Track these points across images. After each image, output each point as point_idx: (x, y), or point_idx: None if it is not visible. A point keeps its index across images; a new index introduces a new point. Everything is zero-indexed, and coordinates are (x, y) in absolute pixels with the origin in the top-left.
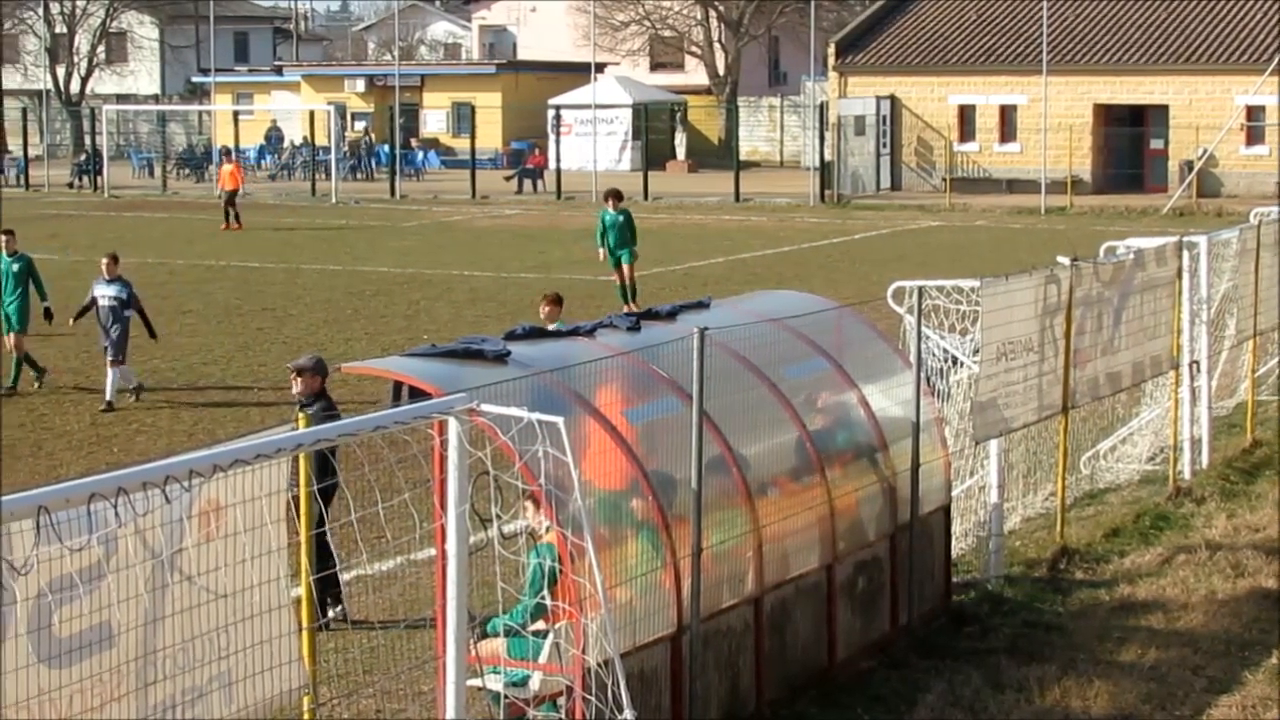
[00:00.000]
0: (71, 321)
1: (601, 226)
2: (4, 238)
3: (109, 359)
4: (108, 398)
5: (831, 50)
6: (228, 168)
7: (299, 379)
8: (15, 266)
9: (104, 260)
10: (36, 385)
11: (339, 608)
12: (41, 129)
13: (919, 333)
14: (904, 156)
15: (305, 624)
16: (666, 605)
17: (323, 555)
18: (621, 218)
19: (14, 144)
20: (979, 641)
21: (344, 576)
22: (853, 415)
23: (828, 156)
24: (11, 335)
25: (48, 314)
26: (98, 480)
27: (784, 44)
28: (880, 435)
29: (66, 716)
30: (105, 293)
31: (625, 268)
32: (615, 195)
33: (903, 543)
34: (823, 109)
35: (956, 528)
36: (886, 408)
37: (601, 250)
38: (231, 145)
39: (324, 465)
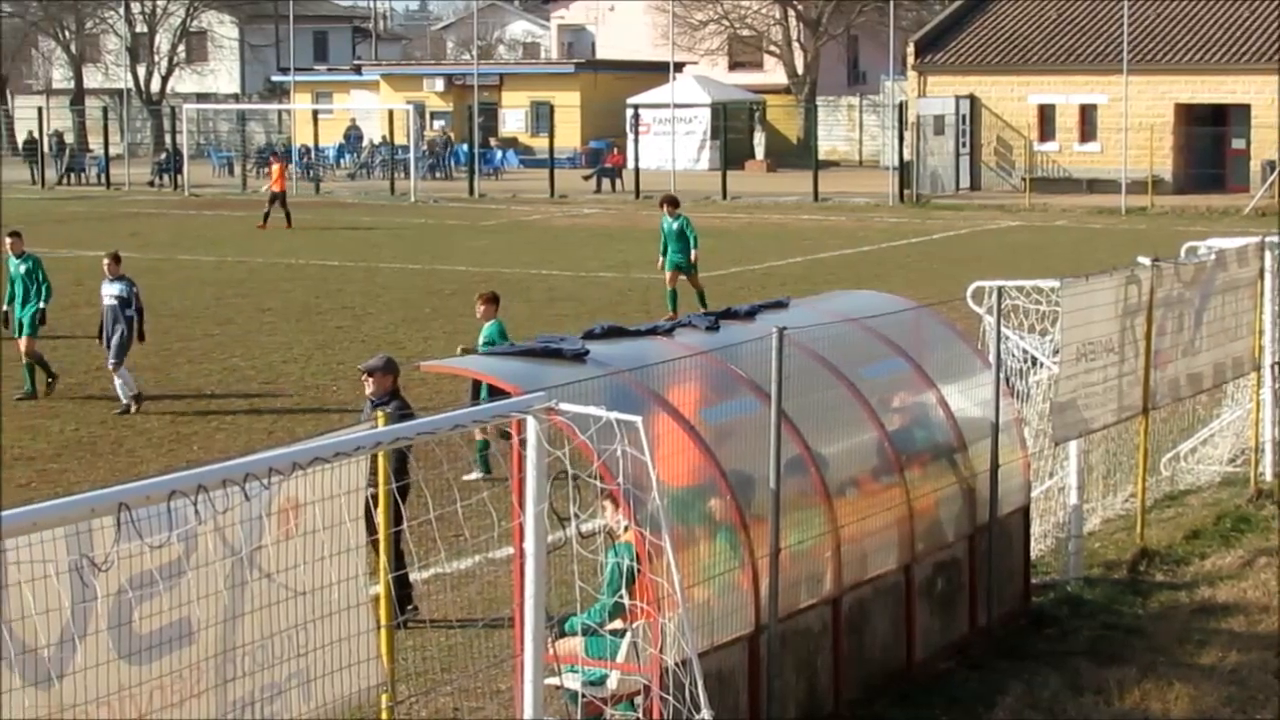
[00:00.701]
0: (40, 305)
1: (662, 235)
2: (10, 240)
3: (111, 364)
4: (124, 400)
5: (911, 49)
6: (276, 167)
7: (370, 379)
8: (24, 268)
9: (105, 260)
10: (46, 388)
11: (410, 607)
12: (122, 128)
13: (998, 333)
14: (983, 156)
15: (383, 622)
16: (744, 605)
17: (395, 557)
18: (677, 224)
19: (95, 143)
20: (1058, 643)
21: (422, 575)
22: (931, 415)
23: (906, 156)
24: (23, 340)
25: (41, 317)
26: (178, 477)
27: (863, 43)
28: (959, 436)
29: (146, 713)
30: (108, 292)
31: (688, 277)
32: (670, 202)
33: (982, 544)
34: (902, 108)
35: (1036, 529)
36: (965, 408)
37: (660, 259)
38: (310, 144)
39: (399, 466)
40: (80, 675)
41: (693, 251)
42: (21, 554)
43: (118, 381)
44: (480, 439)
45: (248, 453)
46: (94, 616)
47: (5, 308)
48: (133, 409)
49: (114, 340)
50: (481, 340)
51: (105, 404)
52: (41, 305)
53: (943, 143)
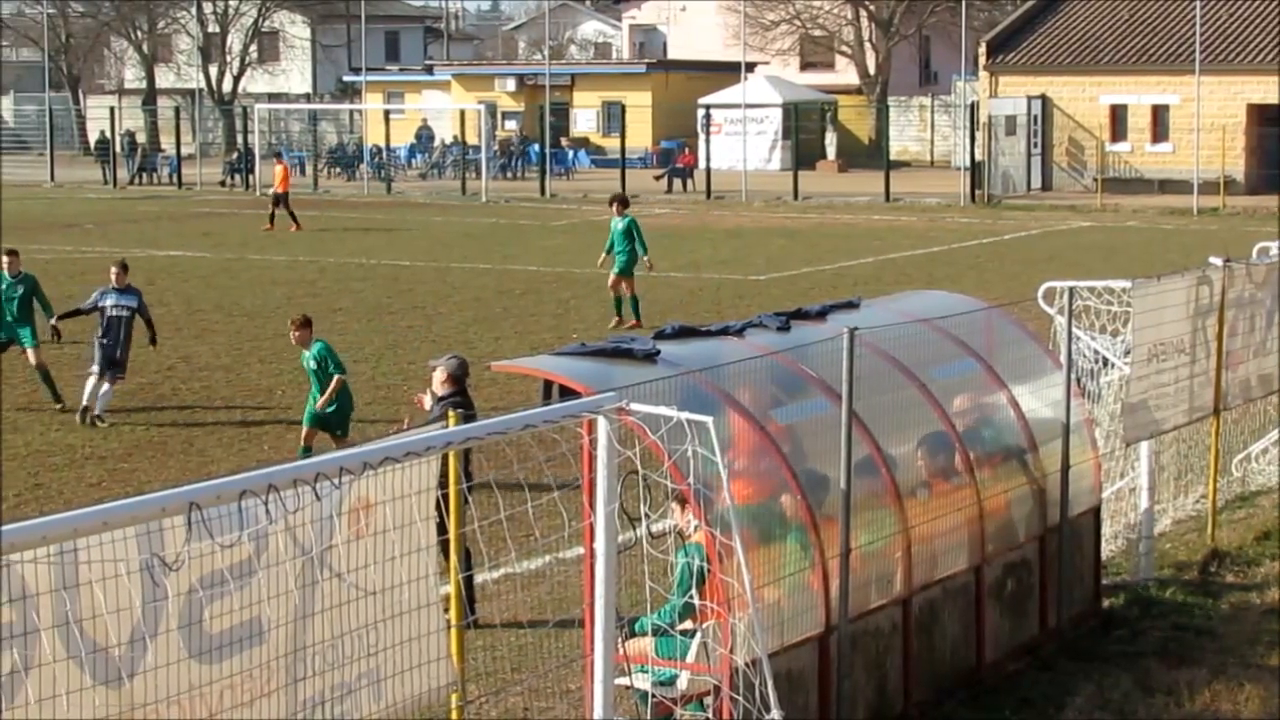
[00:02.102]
0: (52, 322)
1: (610, 235)
2: (6, 259)
3: (110, 374)
4: (97, 410)
5: (982, 50)
6: (279, 169)
7: (434, 375)
8: (20, 289)
9: (113, 269)
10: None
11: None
12: (194, 128)
13: (1069, 333)
14: (1055, 156)
15: (454, 621)
16: (814, 605)
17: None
18: (624, 224)
19: (167, 143)
20: (1128, 644)
21: (492, 575)
22: (1002, 416)
23: (978, 156)
24: (30, 351)
25: (55, 333)
26: (249, 477)
27: (934, 43)
28: (1030, 436)
29: (216, 712)
30: (117, 303)
31: (617, 277)
32: (619, 201)
33: (1052, 545)
34: (973, 109)
35: (1106, 530)
36: (1036, 409)
37: (604, 256)
38: (382, 144)
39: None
40: (151, 674)
41: (643, 257)
42: (93, 553)
43: (103, 388)
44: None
45: (318, 452)
46: (165, 616)
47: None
48: (87, 420)
49: (120, 354)
50: (313, 365)
51: (176, 405)
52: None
53: (1014, 143)
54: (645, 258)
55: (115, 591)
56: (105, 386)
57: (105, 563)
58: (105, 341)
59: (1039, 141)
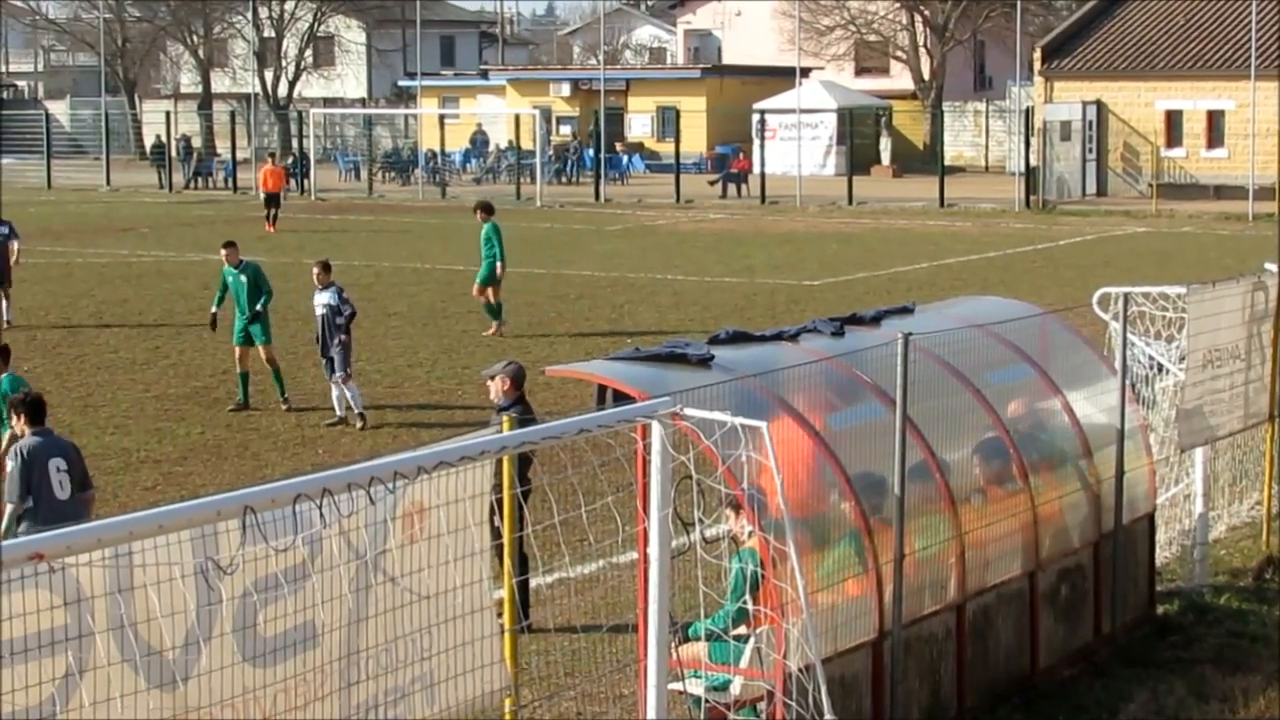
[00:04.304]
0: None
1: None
2: (225, 251)
3: (335, 375)
4: (339, 412)
5: (1037, 55)
6: (267, 167)
7: (493, 383)
8: (244, 279)
9: (315, 268)
10: (284, 406)
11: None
12: (250, 132)
13: (1124, 339)
14: (1110, 162)
15: (507, 626)
16: (868, 611)
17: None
18: (483, 232)
19: (222, 147)
20: (1183, 651)
21: (546, 579)
22: (1057, 422)
23: (1033, 162)
24: (263, 348)
25: (213, 321)
26: (303, 481)
27: (989, 48)
28: (1084, 442)
29: (270, 715)
30: (318, 301)
31: (480, 286)
32: (483, 209)
33: (1106, 550)
34: (1028, 114)
35: (1161, 536)
36: (1091, 414)
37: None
38: (437, 149)
39: (520, 473)
40: (205, 678)
41: (498, 264)
42: (148, 556)
43: (347, 393)
44: None
45: (373, 456)
46: (219, 619)
47: (214, 309)
48: (358, 424)
49: (335, 354)
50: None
51: (231, 408)
52: (214, 311)
53: (1069, 148)
54: (501, 264)
55: (170, 595)
56: (335, 390)
57: (160, 566)
58: (318, 343)
59: (1094, 147)
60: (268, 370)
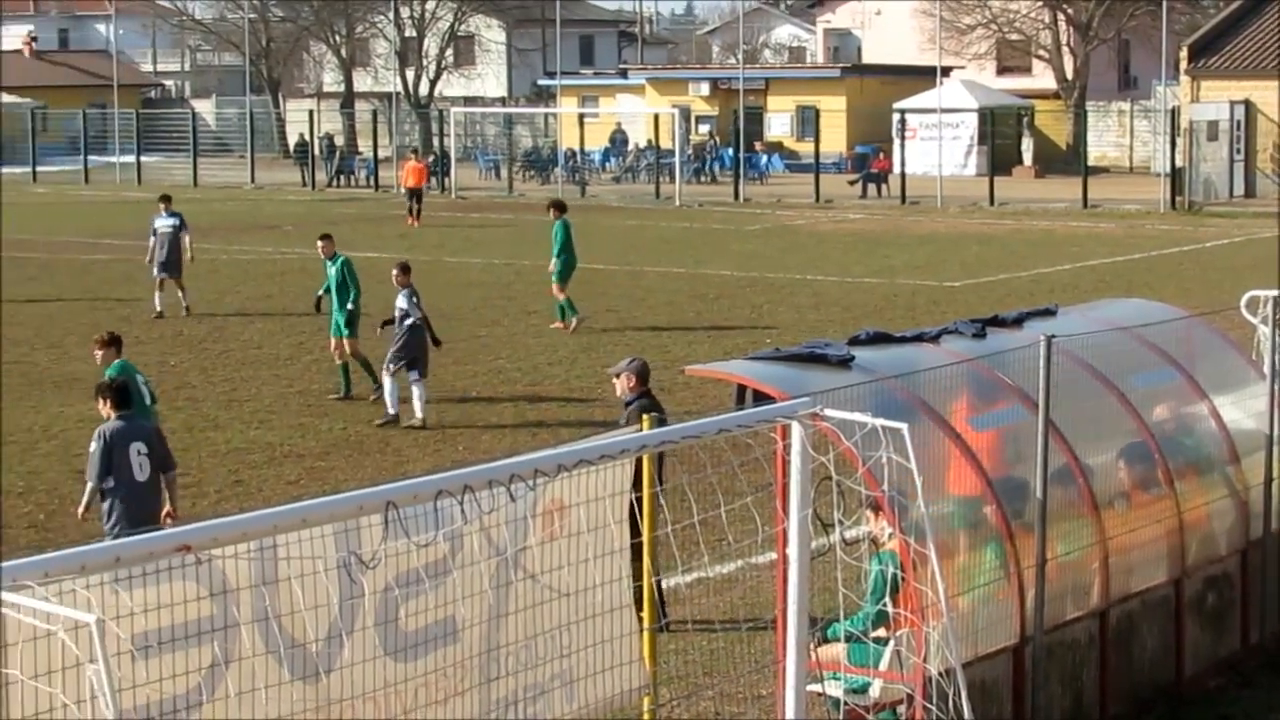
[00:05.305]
0: (379, 329)
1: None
2: (321, 243)
3: (408, 374)
4: (390, 410)
5: (1183, 53)
6: (410, 163)
7: (617, 380)
8: (333, 271)
9: (393, 270)
10: (374, 396)
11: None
12: (391, 131)
13: (1274, 343)
14: (1258, 162)
15: (646, 624)
16: (1009, 616)
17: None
18: (554, 227)
19: (364, 146)
20: None
21: (685, 579)
22: (1203, 427)
23: (1179, 162)
24: (345, 341)
25: (317, 304)
26: (445, 477)
27: (1134, 47)
28: (1232, 448)
29: (410, 709)
30: (396, 304)
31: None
32: (554, 206)
33: (1255, 558)
34: (1174, 114)
35: None
36: (1239, 420)
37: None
38: (576, 148)
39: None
40: (347, 671)
41: (562, 260)
42: (291, 550)
43: (390, 385)
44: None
45: (513, 454)
46: (361, 613)
47: (321, 293)
48: (409, 422)
49: (393, 349)
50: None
51: (372, 403)
52: (350, 307)
53: (1216, 149)
54: (558, 261)
55: (313, 588)
56: (415, 392)
57: (303, 559)
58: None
59: (1241, 147)
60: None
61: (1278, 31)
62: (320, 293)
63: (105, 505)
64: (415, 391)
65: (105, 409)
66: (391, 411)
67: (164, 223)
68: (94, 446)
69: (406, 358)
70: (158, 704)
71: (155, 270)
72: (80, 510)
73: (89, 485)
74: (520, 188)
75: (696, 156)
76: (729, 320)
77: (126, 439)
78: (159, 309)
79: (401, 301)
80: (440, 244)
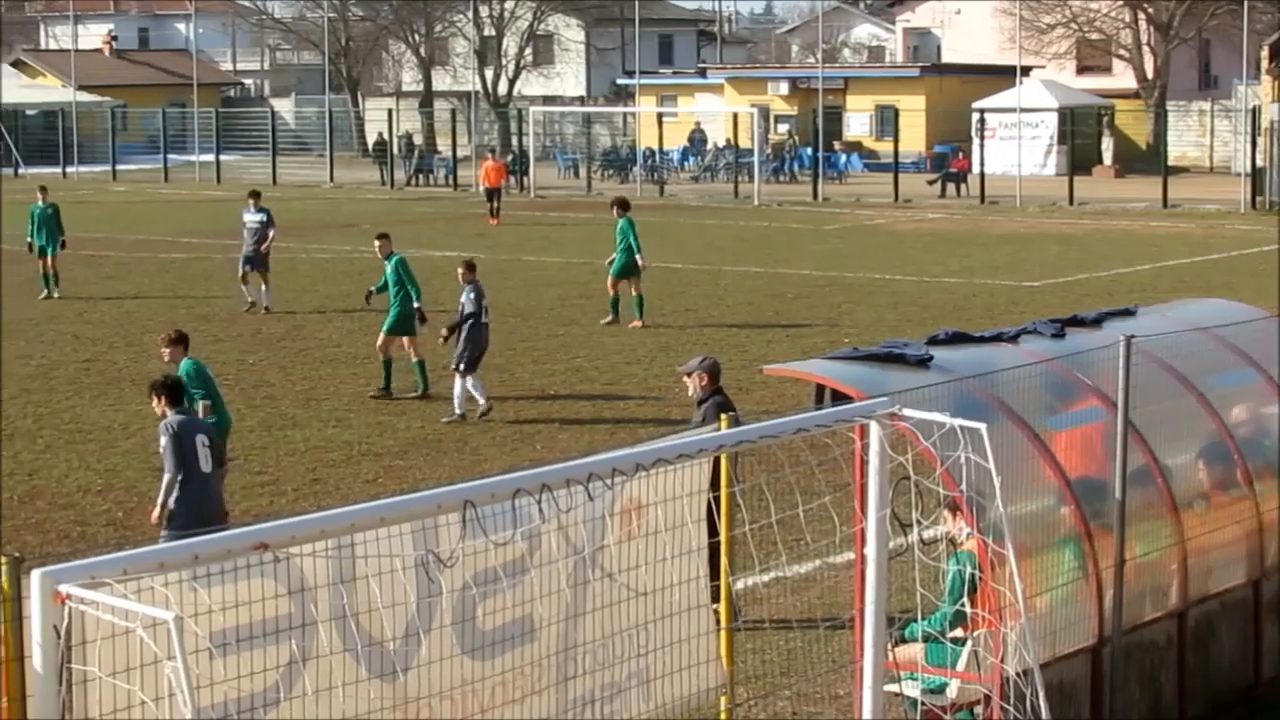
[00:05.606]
0: (417, 305)
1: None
2: (378, 242)
3: (463, 367)
4: (457, 410)
5: (1264, 53)
6: (489, 162)
7: (689, 380)
8: (388, 270)
9: (459, 269)
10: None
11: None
12: (470, 130)
13: None
14: None
15: (724, 624)
16: (1087, 616)
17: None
18: (618, 225)
19: (443, 144)
20: None
21: (763, 578)
22: None
23: (1259, 162)
24: (403, 340)
25: (420, 316)
26: (523, 476)
27: (1215, 46)
28: None
29: (488, 708)
30: (462, 299)
31: (612, 279)
32: (618, 204)
33: None
34: (1254, 113)
35: None
36: None
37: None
38: (655, 147)
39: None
40: (424, 669)
41: (637, 257)
42: (369, 548)
43: (459, 385)
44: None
45: (591, 453)
46: (438, 611)
47: (417, 305)
48: (471, 416)
49: (457, 347)
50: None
51: (449, 402)
52: (417, 305)
53: None
54: (638, 257)
55: (391, 586)
56: (469, 382)
57: (381, 558)
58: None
59: None
60: (423, 359)
61: None
62: (374, 289)
63: (174, 497)
64: (472, 385)
65: (160, 406)
66: (459, 411)
67: (252, 217)
68: (164, 441)
69: (470, 357)
70: (235, 701)
71: (240, 264)
72: (156, 512)
73: (166, 478)
74: (599, 187)
75: (775, 156)
76: (807, 320)
77: (191, 431)
78: (250, 299)
79: (463, 298)
80: (519, 243)
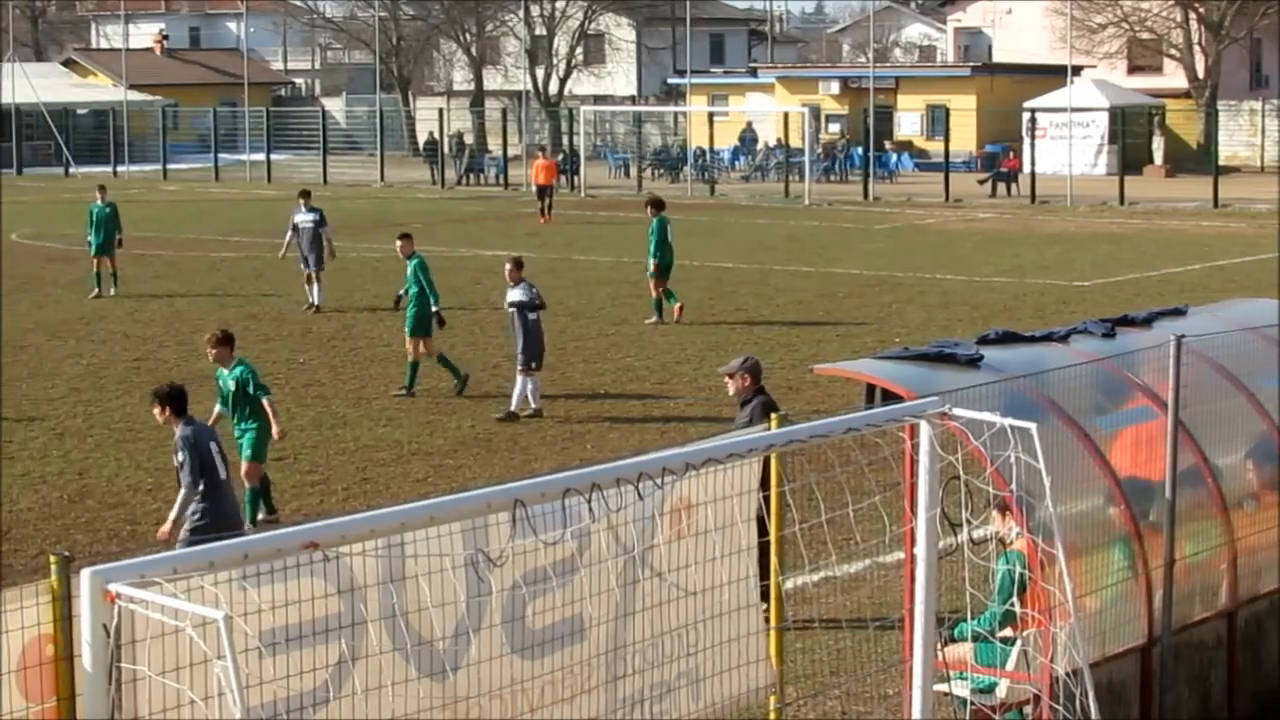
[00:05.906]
0: (435, 309)
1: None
2: (400, 243)
3: (518, 367)
4: (512, 406)
5: None
6: (540, 161)
7: (730, 381)
8: (409, 271)
9: (507, 266)
10: (401, 392)
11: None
12: (521, 129)
13: None
14: None
15: (773, 623)
16: (1137, 616)
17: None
18: (652, 224)
19: (494, 144)
20: None
21: (812, 578)
22: None
23: None
24: (421, 341)
25: (439, 319)
26: (573, 475)
27: (1266, 46)
28: None
29: (537, 707)
30: (508, 298)
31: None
32: (652, 204)
33: None
34: None
35: None
36: None
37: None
38: (706, 147)
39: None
40: (474, 668)
41: (664, 256)
42: (419, 548)
43: (520, 384)
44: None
45: (641, 452)
46: (488, 611)
47: (435, 309)
48: (521, 416)
49: (519, 345)
50: (232, 386)
51: (501, 401)
52: (435, 309)
53: None
54: (656, 259)
55: (440, 586)
56: (529, 386)
57: (431, 557)
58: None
59: None
60: (448, 359)
61: None
62: (402, 292)
63: (191, 507)
64: (531, 391)
65: (164, 415)
66: (513, 408)
67: (304, 218)
68: (182, 456)
69: (534, 353)
70: (284, 700)
71: (302, 264)
72: (167, 528)
73: (184, 493)
74: (649, 186)
75: (826, 155)
76: (857, 319)
77: (205, 439)
78: (311, 301)
79: (518, 295)
80: (570, 242)
